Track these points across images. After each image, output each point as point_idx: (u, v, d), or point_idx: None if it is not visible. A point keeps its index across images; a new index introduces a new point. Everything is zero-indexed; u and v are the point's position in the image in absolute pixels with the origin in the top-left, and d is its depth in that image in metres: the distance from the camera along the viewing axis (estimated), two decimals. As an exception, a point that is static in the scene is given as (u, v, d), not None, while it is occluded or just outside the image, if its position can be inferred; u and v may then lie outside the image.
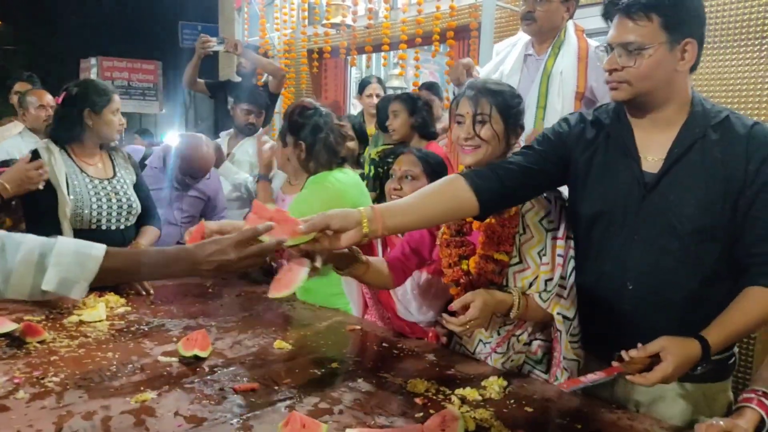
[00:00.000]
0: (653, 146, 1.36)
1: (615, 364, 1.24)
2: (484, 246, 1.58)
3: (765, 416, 1.24)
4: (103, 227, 2.25)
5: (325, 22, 4.03)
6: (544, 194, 1.57)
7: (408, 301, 1.91)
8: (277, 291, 1.41)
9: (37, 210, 2.18)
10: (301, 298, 2.17)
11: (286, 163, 2.28)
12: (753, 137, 1.29)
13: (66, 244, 1.15)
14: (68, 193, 2.16)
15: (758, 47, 2.37)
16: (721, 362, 1.38)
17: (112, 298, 2.00)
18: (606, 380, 1.23)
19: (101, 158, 2.34)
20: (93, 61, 8.94)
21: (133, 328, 1.78)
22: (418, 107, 2.98)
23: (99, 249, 1.16)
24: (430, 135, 3.05)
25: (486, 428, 1.23)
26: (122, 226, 2.31)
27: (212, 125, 4.41)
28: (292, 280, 1.40)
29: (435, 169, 1.98)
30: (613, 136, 1.41)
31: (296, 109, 2.23)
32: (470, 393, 1.39)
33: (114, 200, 2.27)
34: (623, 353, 1.23)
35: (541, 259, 1.53)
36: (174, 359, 1.54)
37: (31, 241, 1.13)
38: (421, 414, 1.28)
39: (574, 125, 1.48)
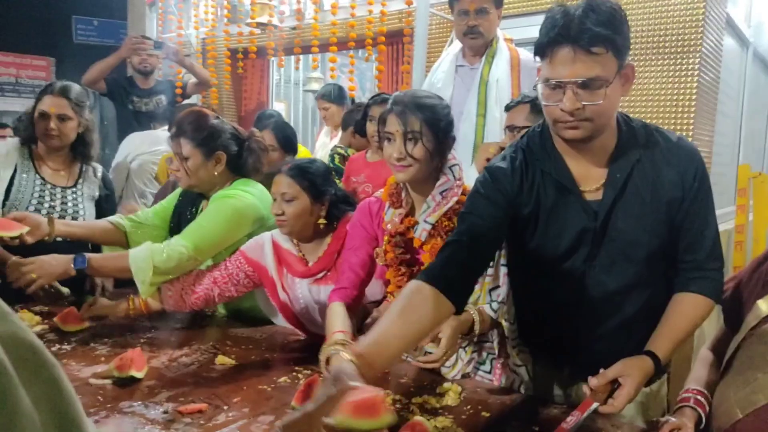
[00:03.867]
0: (590, 175, 1.32)
1: (586, 397, 1.25)
2: None
3: (702, 414, 1.32)
4: None
5: (249, 21, 3.90)
6: None
7: (312, 314, 1.85)
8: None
9: None
10: (229, 314, 2.07)
11: (188, 177, 1.95)
12: (680, 155, 1.30)
13: None
14: (9, 189, 2.08)
15: (675, 61, 2.54)
16: None
17: (25, 315, 1.80)
18: (586, 416, 1.23)
19: (66, 165, 2.22)
20: (-24, 54, 8.14)
21: (54, 348, 1.61)
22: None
23: None
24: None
25: (450, 437, 1.22)
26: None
27: (117, 127, 4.13)
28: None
29: (316, 182, 1.76)
30: (547, 172, 1.33)
31: (198, 118, 1.95)
32: (428, 400, 1.37)
33: (58, 208, 2.14)
34: (586, 386, 1.24)
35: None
36: (107, 381, 1.40)
37: None
38: (383, 426, 1.25)
39: (508, 179, 1.35)
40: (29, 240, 1.78)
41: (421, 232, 1.56)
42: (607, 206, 1.29)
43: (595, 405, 1.22)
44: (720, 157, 2.90)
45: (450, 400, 1.39)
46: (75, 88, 2.17)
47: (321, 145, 4.03)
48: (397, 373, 1.56)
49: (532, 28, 3.01)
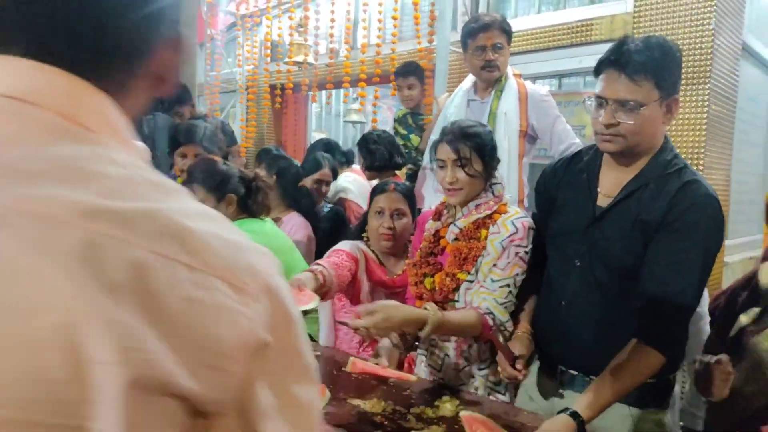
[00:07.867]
0: (611, 184, 1.46)
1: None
2: (450, 265, 1.72)
3: None
4: None
5: (287, 60, 4.17)
6: (512, 220, 1.66)
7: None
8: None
9: None
10: None
11: None
12: (682, 191, 1.35)
13: None
14: None
15: (684, 93, 2.58)
16: (655, 386, 1.44)
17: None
18: None
19: None
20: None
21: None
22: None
23: None
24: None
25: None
26: None
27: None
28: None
29: (413, 201, 2.11)
30: (585, 172, 1.51)
31: (208, 166, 2.14)
32: (425, 411, 1.48)
33: None
34: None
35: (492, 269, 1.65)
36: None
37: None
38: None
39: (551, 172, 1.63)
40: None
41: (449, 234, 1.75)
42: (602, 214, 1.44)
43: None
44: (743, 186, 2.91)
45: (446, 411, 1.49)
46: None
47: None
48: (401, 386, 1.67)
49: (537, 64, 3.17)
